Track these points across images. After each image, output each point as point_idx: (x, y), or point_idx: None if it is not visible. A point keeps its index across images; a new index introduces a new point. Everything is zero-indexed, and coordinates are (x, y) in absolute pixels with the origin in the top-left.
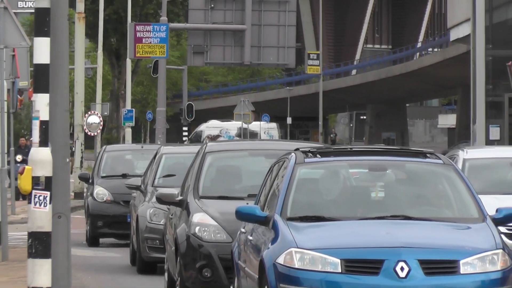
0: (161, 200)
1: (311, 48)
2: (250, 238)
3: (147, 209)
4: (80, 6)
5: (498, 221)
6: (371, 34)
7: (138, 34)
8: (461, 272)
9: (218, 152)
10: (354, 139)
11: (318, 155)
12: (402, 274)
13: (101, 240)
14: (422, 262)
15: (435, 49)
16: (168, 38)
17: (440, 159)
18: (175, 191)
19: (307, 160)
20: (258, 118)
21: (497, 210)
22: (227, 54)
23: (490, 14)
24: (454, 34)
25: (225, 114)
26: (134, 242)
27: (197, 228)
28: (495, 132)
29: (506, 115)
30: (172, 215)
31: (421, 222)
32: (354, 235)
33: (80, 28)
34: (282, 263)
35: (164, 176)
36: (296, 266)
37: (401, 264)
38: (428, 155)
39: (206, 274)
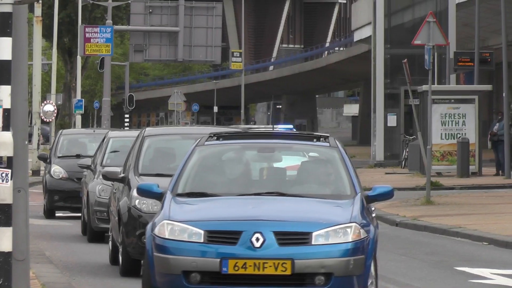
0: (106, 177)
1: (234, 47)
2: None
3: (96, 186)
4: (38, 10)
5: (371, 198)
6: (286, 35)
7: (87, 35)
8: (313, 243)
9: (155, 135)
10: (271, 125)
11: (220, 138)
12: (257, 244)
13: (57, 212)
14: (277, 234)
15: (341, 48)
16: (113, 38)
17: (328, 142)
18: (118, 169)
19: (207, 142)
20: (189, 107)
21: (372, 188)
22: (163, 52)
23: (388, 18)
24: (358, 35)
25: (161, 103)
26: (85, 214)
27: (137, 201)
28: (392, 120)
29: (401, 105)
30: (115, 190)
31: (291, 198)
32: (220, 209)
33: (37, 29)
34: (157, 234)
35: (110, 152)
36: (167, 237)
37: (257, 235)
38: (320, 138)
39: (144, 240)
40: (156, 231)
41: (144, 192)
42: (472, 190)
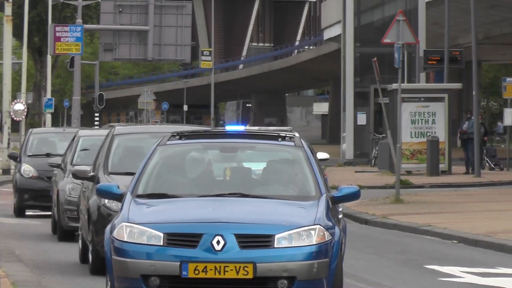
0: (76, 175)
1: (204, 46)
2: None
3: (67, 184)
4: (8, 10)
5: (338, 199)
6: (256, 34)
7: (57, 34)
8: (276, 245)
9: (124, 134)
10: (241, 124)
11: (183, 138)
12: (218, 247)
13: (27, 211)
14: (238, 236)
15: (311, 47)
16: (83, 37)
17: (293, 141)
18: (88, 168)
19: (169, 142)
20: (159, 106)
21: (338, 189)
22: (133, 51)
23: (358, 17)
24: (327, 34)
25: (131, 102)
26: (55, 213)
27: (106, 200)
28: (362, 118)
29: (371, 104)
30: (85, 189)
31: (254, 199)
32: (180, 211)
33: (8, 28)
34: (115, 236)
35: (80, 150)
36: (125, 239)
37: (218, 238)
38: (285, 138)
39: None
40: (115, 233)
41: (104, 193)
42: (442, 189)
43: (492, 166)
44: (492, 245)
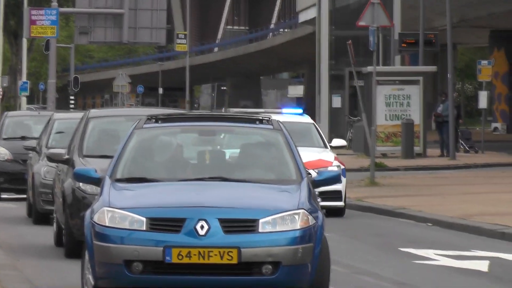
0: (51, 158)
1: (179, 29)
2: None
3: (42, 167)
4: None
5: (318, 183)
6: (231, 17)
7: (33, 17)
8: (260, 230)
9: (99, 117)
10: (215, 106)
11: (159, 121)
12: (202, 232)
13: (2, 194)
14: (222, 221)
15: (286, 30)
16: (58, 21)
17: (271, 124)
18: (63, 151)
19: (145, 125)
20: (134, 89)
21: (318, 172)
22: (108, 34)
23: (333, 0)
24: (302, 17)
25: (106, 85)
26: (30, 196)
27: (81, 183)
28: (336, 101)
29: (346, 87)
30: (60, 172)
31: (234, 183)
32: (162, 195)
33: None
34: (96, 221)
35: (55, 133)
36: (107, 224)
37: (202, 222)
38: (263, 121)
39: None
40: (96, 218)
41: (81, 177)
42: (417, 172)
43: (467, 149)
44: (467, 228)
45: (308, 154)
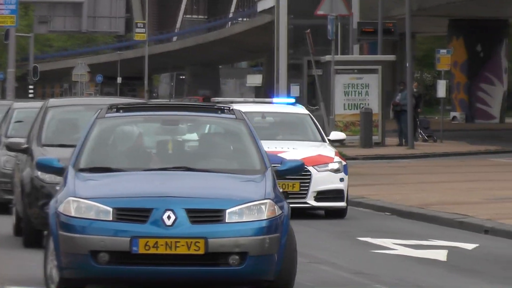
0: (9, 148)
1: (138, 18)
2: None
3: (1, 157)
4: None
5: (282, 173)
6: (190, 6)
7: None
8: (227, 220)
9: (58, 106)
10: (174, 96)
11: (120, 110)
12: (169, 222)
13: None
14: (189, 211)
15: (245, 19)
16: (18, 10)
17: (233, 114)
18: (22, 140)
19: (107, 115)
20: (93, 78)
21: (281, 162)
22: (67, 23)
23: None
24: (261, 6)
25: (65, 74)
26: None
27: (39, 172)
28: (295, 90)
29: (305, 76)
30: (19, 161)
31: (199, 173)
32: (127, 185)
33: None
34: (62, 211)
35: (14, 122)
36: (73, 214)
37: (168, 213)
38: (225, 110)
39: (47, 210)
40: (61, 208)
41: (44, 167)
42: (375, 161)
43: (426, 138)
44: (425, 217)
45: (305, 149)
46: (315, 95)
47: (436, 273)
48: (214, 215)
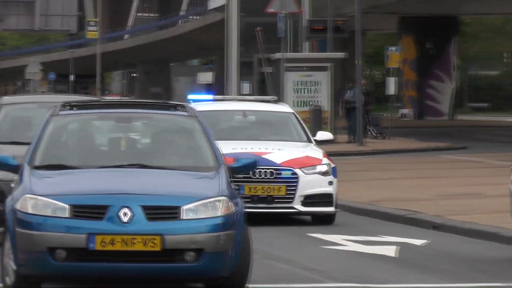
0: None
1: (90, 16)
2: None
3: None
4: None
5: (236, 170)
6: (142, 4)
7: None
8: (182, 217)
9: (11, 104)
10: (126, 93)
11: (74, 108)
12: (125, 219)
13: None
14: (145, 208)
15: (196, 17)
16: None
17: (186, 111)
18: None
19: (61, 112)
20: (45, 76)
21: (235, 160)
22: (20, 22)
23: None
24: (212, 4)
25: (18, 73)
26: None
27: None
28: (246, 88)
29: (255, 73)
30: None
31: (154, 170)
32: (83, 182)
33: None
34: (18, 208)
35: None
36: (30, 211)
37: (125, 210)
38: (177, 107)
39: (0, 208)
40: (18, 205)
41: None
42: None
43: (375, 134)
44: (375, 214)
45: (292, 150)
46: (265, 93)
47: (386, 268)
48: (170, 212)
